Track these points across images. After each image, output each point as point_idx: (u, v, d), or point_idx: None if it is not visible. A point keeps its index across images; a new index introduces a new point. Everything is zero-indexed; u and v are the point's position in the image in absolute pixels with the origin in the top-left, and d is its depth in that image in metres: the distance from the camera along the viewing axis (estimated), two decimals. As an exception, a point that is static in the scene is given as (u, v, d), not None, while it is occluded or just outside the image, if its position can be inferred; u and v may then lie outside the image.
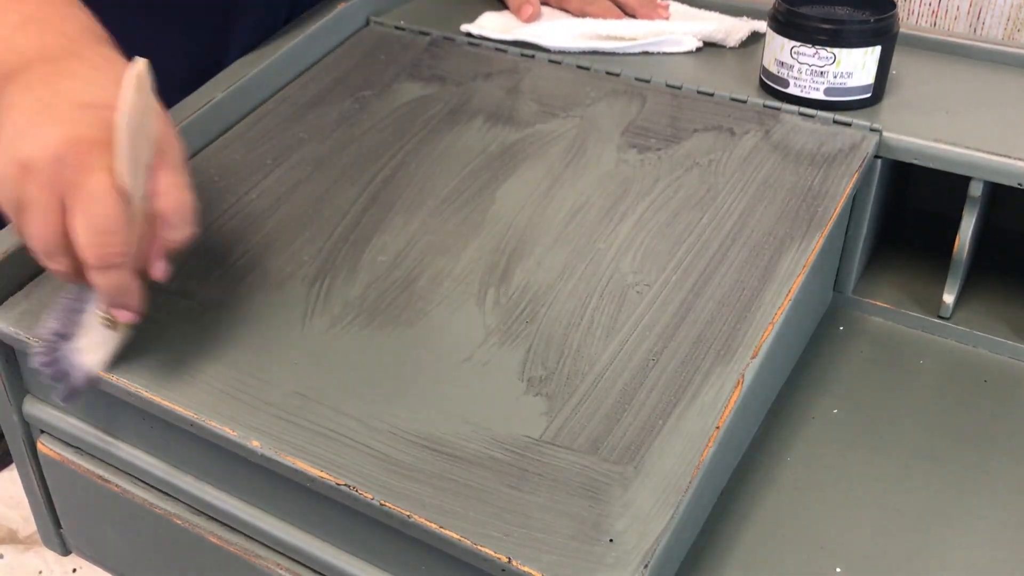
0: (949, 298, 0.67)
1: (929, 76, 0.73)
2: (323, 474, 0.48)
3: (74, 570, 0.98)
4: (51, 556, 0.99)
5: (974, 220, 0.65)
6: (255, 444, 0.49)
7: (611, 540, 0.45)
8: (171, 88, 0.72)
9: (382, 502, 0.47)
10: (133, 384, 0.53)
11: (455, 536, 0.45)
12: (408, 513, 0.46)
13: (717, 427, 0.49)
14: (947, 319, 0.68)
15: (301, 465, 0.48)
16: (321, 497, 0.49)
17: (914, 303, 0.69)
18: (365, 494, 0.47)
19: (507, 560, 0.44)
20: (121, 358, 0.54)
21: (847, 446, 0.60)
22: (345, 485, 0.47)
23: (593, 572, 0.43)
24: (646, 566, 0.44)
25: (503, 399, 0.51)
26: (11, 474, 1.10)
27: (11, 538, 1.03)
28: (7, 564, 0.98)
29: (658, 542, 0.44)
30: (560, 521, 0.45)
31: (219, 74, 0.73)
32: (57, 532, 0.70)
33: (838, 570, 0.53)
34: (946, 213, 0.74)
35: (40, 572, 0.99)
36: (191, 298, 0.58)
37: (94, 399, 0.58)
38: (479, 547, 0.45)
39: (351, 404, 0.51)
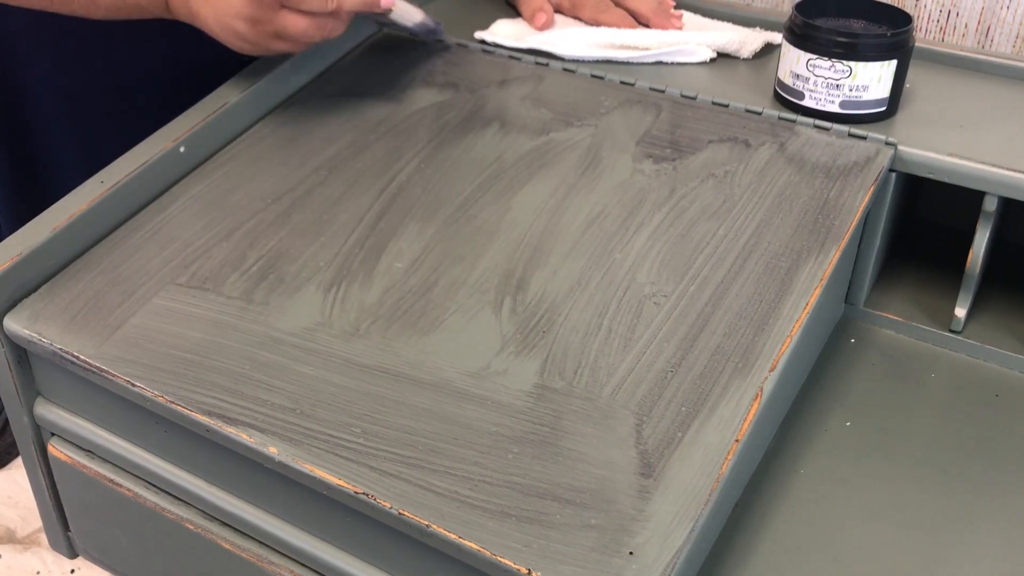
0: (961, 312, 0.68)
1: (942, 90, 0.73)
2: (341, 482, 0.48)
3: (72, 571, 0.97)
4: (49, 556, 0.98)
5: (987, 234, 0.65)
6: (273, 451, 0.49)
7: (631, 553, 0.44)
8: (183, 88, 0.72)
9: (400, 511, 0.46)
10: (148, 388, 0.52)
11: (475, 547, 0.45)
12: (427, 523, 0.46)
13: (736, 440, 0.49)
14: (958, 333, 0.68)
15: (319, 473, 0.48)
16: (338, 505, 0.49)
17: (926, 316, 0.70)
18: (383, 503, 0.47)
19: (527, 572, 0.44)
20: (134, 363, 0.54)
21: (859, 458, 0.60)
22: (363, 494, 0.47)
23: (614, 585, 0.43)
24: (667, 579, 0.44)
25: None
26: (9, 473, 1.09)
27: (9, 538, 1.02)
28: (5, 564, 0.97)
29: (678, 555, 0.44)
30: (580, 533, 0.45)
31: (232, 78, 0.72)
32: (65, 535, 0.69)
33: (852, 584, 0.53)
34: (958, 226, 0.74)
35: (38, 572, 0.98)
36: (206, 304, 0.58)
37: (106, 402, 0.58)
38: (499, 558, 0.44)
39: (369, 411, 0.51)
